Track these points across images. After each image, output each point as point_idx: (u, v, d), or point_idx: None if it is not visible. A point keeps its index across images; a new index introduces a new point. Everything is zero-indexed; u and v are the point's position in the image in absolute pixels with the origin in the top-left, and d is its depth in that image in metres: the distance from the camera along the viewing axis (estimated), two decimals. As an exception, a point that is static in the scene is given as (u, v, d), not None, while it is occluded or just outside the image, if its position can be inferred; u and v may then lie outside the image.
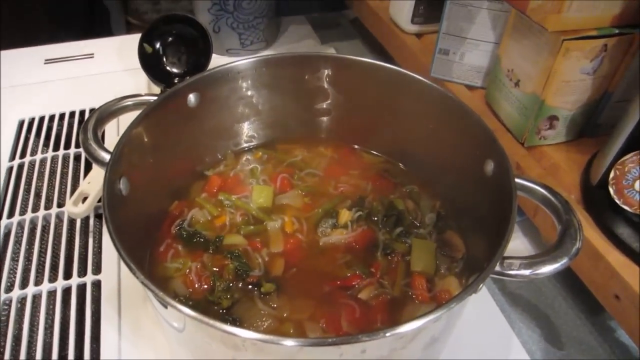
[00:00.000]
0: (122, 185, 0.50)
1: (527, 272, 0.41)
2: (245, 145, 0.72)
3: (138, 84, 1.05)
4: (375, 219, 0.63)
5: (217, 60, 0.95)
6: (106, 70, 1.10)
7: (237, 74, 0.63)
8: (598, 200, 0.65)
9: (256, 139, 0.72)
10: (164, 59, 0.97)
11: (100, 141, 0.53)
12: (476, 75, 0.86)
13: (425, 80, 0.61)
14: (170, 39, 0.96)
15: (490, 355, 0.62)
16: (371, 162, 0.71)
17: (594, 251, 0.61)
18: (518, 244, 0.77)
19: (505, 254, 0.43)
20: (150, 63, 0.94)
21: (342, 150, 0.73)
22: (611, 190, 0.62)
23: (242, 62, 0.62)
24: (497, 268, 0.41)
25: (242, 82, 0.64)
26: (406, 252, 0.59)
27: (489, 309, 0.67)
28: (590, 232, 0.63)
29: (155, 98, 0.56)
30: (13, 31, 1.37)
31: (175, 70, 0.97)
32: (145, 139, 0.56)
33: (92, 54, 1.15)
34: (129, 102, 0.57)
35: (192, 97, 0.60)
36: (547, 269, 0.42)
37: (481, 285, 0.39)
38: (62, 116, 0.97)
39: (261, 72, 0.64)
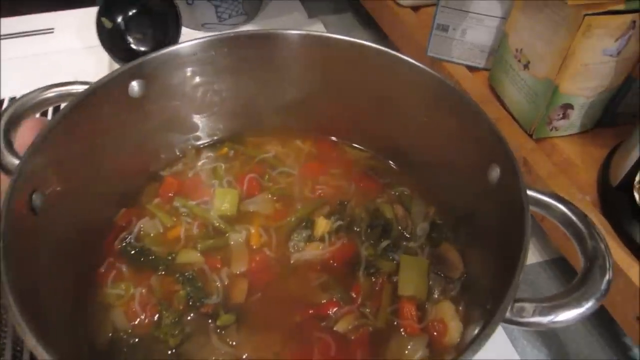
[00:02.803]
0: (37, 201, 0.40)
1: (544, 319, 0.32)
2: (207, 139, 0.62)
3: (102, 62, 0.94)
4: (358, 229, 0.53)
5: (191, 35, 0.84)
6: (67, 47, 0.98)
7: (191, 57, 0.52)
8: (619, 205, 0.56)
9: (221, 132, 0.62)
10: (127, 35, 0.86)
11: (11, 145, 0.43)
12: (479, 55, 0.75)
13: (418, 64, 0.51)
14: (133, 11, 0.85)
15: (491, 381, 0.53)
16: (355, 159, 0.62)
17: (613, 265, 0.52)
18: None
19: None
20: (111, 40, 0.83)
21: (322, 144, 0.63)
22: (637, 196, 0.52)
23: (194, 42, 0.51)
24: (507, 315, 0.32)
25: (198, 66, 0.53)
26: (393, 271, 0.50)
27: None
28: (609, 242, 0.54)
29: (86, 87, 0.46)
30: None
31: (141, 47, 0.86)
32: (74, 139, 0.46)
33: (52, 28, 1.03)
34: (51, 93, 0.46)
35: (135, 86, 0.50)
36: (570, 314, 0.33)
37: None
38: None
39: (221, 54, 0.53)
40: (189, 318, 0.46)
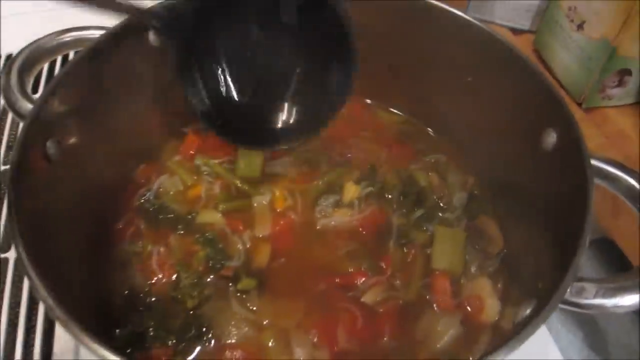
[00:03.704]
0: (51, 149, 0.37)
1: (607, 302, 0.29)
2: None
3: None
4: (390, 196, 0.50)
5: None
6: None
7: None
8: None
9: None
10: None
11: (25, 88, 0.40)
12: (524, 16, 0.70)
13: (462, 15, 0.46)
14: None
15: (522, 364, 0.50)
16: (388, 123, 0.58)
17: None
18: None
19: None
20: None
21: (353, 106, 0.58)
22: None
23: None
24: (567, 295, 0.28)
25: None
26: (427, 242, 0.47)
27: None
28: (664, 223, 0.49)
29: (103, 32, 0.43)
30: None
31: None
32: (91, 86, 0.43)
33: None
34: (67, 37, 0.43)
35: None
36: (636, 299, 0.28)
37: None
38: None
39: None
40: (208, 280, 0.44)
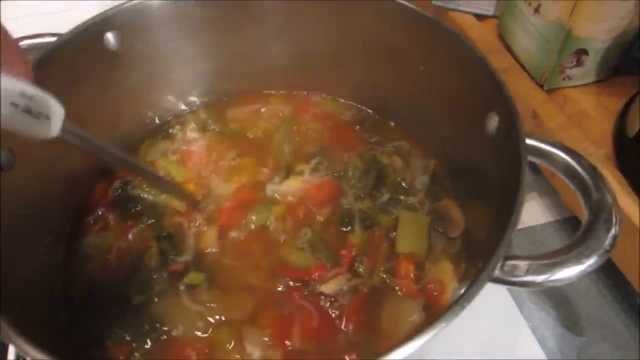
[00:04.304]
0: (4, 158, 0.38)
1: (538, 278, 0.29)
2: (197, 98, 0.59)
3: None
4: (352, 179, 0.50)
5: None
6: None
7: (168, 8, 0.49)
8: (635, 157, 0.51)
9: (209, 92, 0.59)
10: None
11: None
12: (488, 2, 0.70)
13: (409, 5, 0.47)
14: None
15: (493, 344, 0.51)
16: (348, 117, 0.59)
17: (628, 222, 0.48)
18: (533, 205, 0.64)
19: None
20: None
21: (305, 99, 0.59)
22: (656, 146, 0.48)
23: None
24: (497, 273, 0.29)
25: (177, 18, 0.50)
26: (391, 226, 0.47)
27: (492, 286, 0.56)
28: (624, 198, 0.50)
29: (55, 39, 0.43)
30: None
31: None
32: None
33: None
34: (22, 45, 0.44)
35: (110, 37, 0.47)
36: (569, 272, 0.30)
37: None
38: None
39: (200, 5, 0.50)
40: (156, 276, 0.44)
